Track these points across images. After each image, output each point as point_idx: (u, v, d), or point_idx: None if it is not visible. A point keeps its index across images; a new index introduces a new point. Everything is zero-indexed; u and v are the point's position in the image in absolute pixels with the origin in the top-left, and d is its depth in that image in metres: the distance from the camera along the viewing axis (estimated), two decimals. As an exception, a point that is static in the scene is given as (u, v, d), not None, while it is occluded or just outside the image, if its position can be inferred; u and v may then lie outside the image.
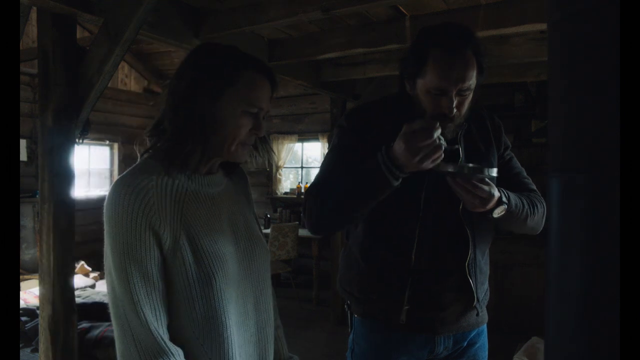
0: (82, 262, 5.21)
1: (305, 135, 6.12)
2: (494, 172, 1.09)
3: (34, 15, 2.56)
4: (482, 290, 1.29)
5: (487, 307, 1.33)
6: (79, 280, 4.75)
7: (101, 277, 5.16)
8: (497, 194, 1.13)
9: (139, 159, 0.97)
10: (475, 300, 1.25)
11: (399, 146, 1.03)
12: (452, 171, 1.08)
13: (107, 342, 3.28)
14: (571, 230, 0.59)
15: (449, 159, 1.11)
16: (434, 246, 1.21)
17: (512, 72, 3.94)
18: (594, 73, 0.55)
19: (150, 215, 0.88)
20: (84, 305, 3.73)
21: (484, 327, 1.34)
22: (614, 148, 0.51)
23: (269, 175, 6.26)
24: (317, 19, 2.70)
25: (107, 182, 6.42)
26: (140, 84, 6.76)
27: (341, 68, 4.12)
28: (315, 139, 6.03)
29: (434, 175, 1.16)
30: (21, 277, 4.66)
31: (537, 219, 1.25)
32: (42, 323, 2.24)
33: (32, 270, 4.86)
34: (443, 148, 1.02)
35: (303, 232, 4.87)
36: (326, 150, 1.36)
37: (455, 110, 1.14)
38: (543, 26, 2.52)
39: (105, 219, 0.89)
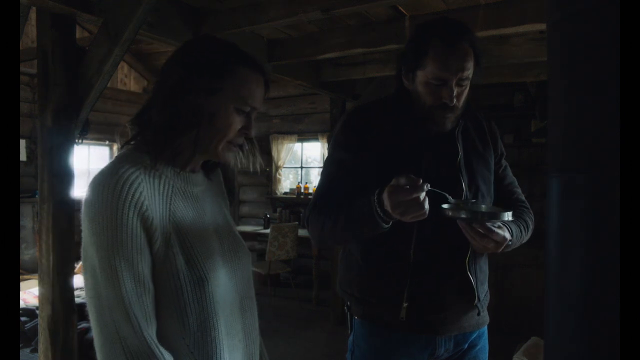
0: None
1: (305, 135, 6.12)
2: (509, 216, 1.07)
3: (33, 15, 2.56)
4: (483, 289, 1.29)
5: (487, 308, 1.33)
6: (78, 280, 4.75)
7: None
8: (508, 235, 1.15)
9: (120, 149, 0.90)
10: (476, 299, 1.24)
11: (385, 195, 1.04)
12: (467, 217, 1.07)
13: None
14: (571, 230, 0.59)
15: (460, 201, 1.12)
16: (433, 245, 1.21)
17: (511, 72, 3.94)
18: (594, 73, 0.55)
19: (142, 209, 0.80)
20: (83, 305, 3.72)
21: (485, 329, 1.34)
22: (614, 148, 0.51)
23: (269, 175, 6.26)
24: (317, 19, 2.70)
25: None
26: (139, 84, 6.75)
27: (341, 68, 4.12)
28: (315, 139, 6.03)
29: (430, 174, 1.17)
30: (21, 277, 4.66)
31: (527, 238, 1.30)
32: (42, 323, 2.24)
33: (32, 270, 4.86)
34: (426, 209, 1.01)
35: (303, 232, 4.87)
36: (326, 151, 1.36)
37: (455, 100, 1.16)
38: (543, 26, 2.52)
39: (86, 214, 0.80)
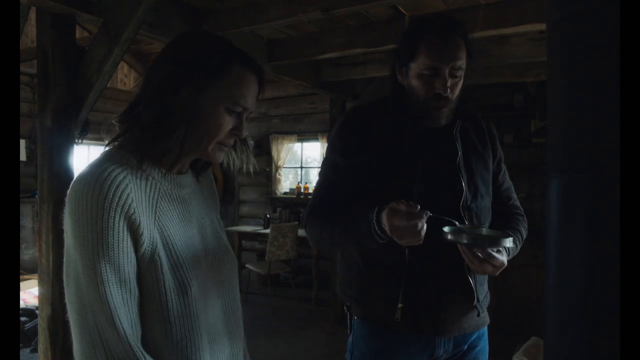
0: (82, 262, 5.19)
1: (304, 135, 6.12)
2: (510, 242, 1.09)
3: (33, 15, 2.56)
4: (482, 290, 1.29)
5: (487, 308, 1.33)
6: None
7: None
8: (506, 260, 1.16)
9: (106, 147, 0.86)
10: (476, 299, 1.24)
11: (383, 216, 1.06)
12: (468, 242, 1.08)
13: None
14: (571, 230, 0.59)
15: (463, 226, 1.14)
16: (431, 246, 1.20)
17: (511, 72, 3.94)
18: (594, 73, 0.55)
19: (129, 211, 0.77)
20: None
21: (485, 330, 1.33)
22: (614, 148, 0.51)
23: (269, 176, 6.26)
24: (317, 19, 2.70)
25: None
26: (137, 82, 6.76)
27: (341, 68, 4.12)
28: (315, 139, 6.03)
29: (429, 174, 1.18)
30: (21, 277, 4.66)
31: (519, 247, 1.31)
32: (42, 323, 2.24)
33: (32, 270, 4.86)
34: (422, 237, 1.02)
35: (302, 232, 4.83)
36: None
37: (449, 90, 1.17)
38: (543, 26, 2.52)
39: (70, 216, 0.76)
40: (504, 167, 1.41)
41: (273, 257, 4.67)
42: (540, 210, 4.92)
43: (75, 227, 0.75)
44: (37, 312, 2.99)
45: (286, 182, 6.42)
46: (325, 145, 5.75)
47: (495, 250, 1.11)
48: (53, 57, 2.17)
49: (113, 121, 0.87)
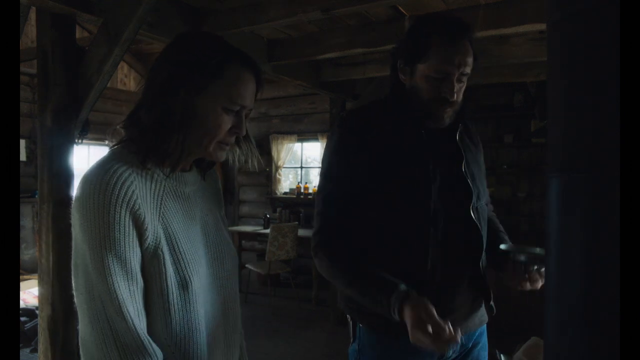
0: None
1: (304, 135, 6.12)
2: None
3: (33, 15, 2.56)
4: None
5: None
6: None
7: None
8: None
9: (110, 149, 0.89)
10: (492, 298, 1.27)
11: (406, 313, 1.03)
12: (525, 261, 1.14)
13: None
14: (571, 230, 0.59)
15: (523, 247, 1.18)
16: (444, 253, 1.19)
17: (511, 72, 3.94)
18: (594, 73, 0.55)
19: (134, 207, 0.80)
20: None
21: (484, 326, 1.34)
22: (614, 148, 0.51)
23: (269, 175, 6.26)
24: (317, 19, 2.70)
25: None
26: (139, 84, 6.75)
27: (341, 68, 4.12)
28: (315, 139, 6.03)
29: (441, 183, 1.18)
30: (20, 277, 4.66)
31: None
32: (42, 323, 2.23)
33: (32, 270, 4.85)
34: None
35: (302, 232, 4.87)
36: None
37: (455, 96, 1.17)
38: (543, 26, 2.52)
39: (77, 211, 0.80)
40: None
41: (273, 257, 4.67)
42: (540, 210, 4.92)
43: (84, 222, 0.79)
44: (37, 312, 2.99)
45: (286, 182, 6.42)
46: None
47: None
48: (53, 57, 2.17)
49: (118, 127, 0.90)
